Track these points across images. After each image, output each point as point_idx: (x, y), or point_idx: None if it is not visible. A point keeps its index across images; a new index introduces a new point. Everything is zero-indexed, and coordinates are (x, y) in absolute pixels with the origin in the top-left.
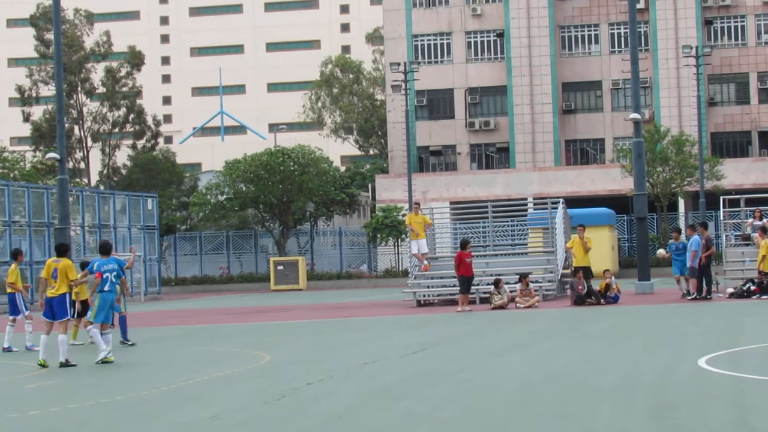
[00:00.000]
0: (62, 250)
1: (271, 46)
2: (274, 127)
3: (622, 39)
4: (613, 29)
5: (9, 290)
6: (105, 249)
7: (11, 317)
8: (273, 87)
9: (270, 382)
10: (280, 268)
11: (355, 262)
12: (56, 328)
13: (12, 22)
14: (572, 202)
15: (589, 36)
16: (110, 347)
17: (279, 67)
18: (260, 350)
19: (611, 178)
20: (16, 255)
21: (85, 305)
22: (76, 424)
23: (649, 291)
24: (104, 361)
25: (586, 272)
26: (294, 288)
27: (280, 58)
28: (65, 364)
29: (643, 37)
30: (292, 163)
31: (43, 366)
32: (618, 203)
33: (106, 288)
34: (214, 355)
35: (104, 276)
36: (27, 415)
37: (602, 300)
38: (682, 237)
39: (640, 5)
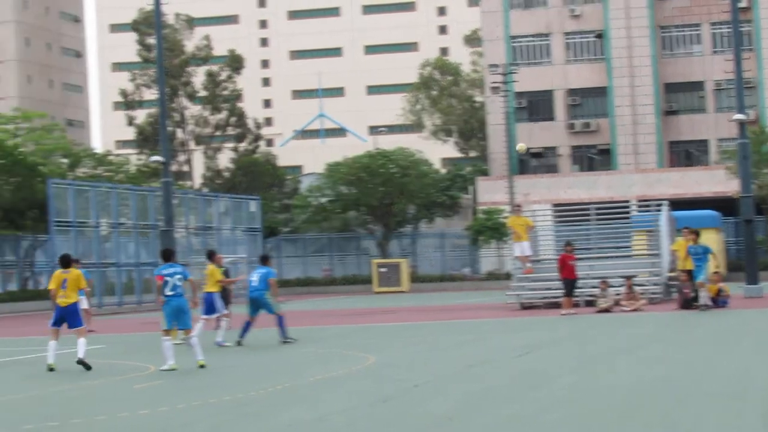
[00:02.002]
0: (68, 261)
1: (370, 49)
2: (373, 130)
3: (725, 39)
4: (716, 29)
5: (210, 290)
6: (166, 255)
7: (205, 317)
8: (372, 89)
9: (375, 384)
10: (383, 270)
11: (457, 265)
12: (74, 332)
13: (115, 28)
14: (676, 204)
15: (691, 36)
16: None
17: (377, 70)
18: (365, 352)
19: (716, 180)
20: (211, 255)
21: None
22: (183, 424)
23: (758, 294)
24: (171, 369)
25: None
26: (397, 290)
27: (379, 60)
28: (81, 362)
29: (746, 36)
30: (392, 166)
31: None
32: (724, 205)
33: (168, 292)
34: (319, 356)
35: (166, 280)
36: (136, 414)
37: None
38: None
39: (743, 4)
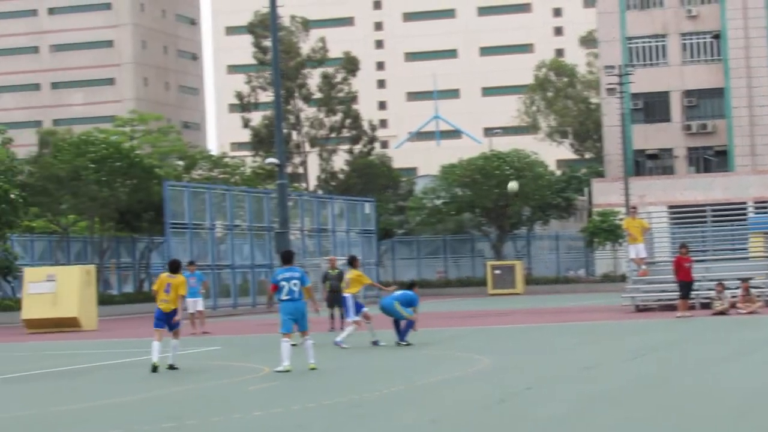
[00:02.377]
0: (176, 267)
1: (485, 51)
2: (488, 132)
3: None
4: None
5: (350, 291)
6: (286, 258)
7: (350, 319)
8: (487, 91)
9: (488, 387)
10: (498, 272)
11: (572, 267)
12: (167, 334)
13: (231, 30)
14: None
15: None
16: (312, 357)
17: (493, 72)
18: (479, 354)
19: None
20: (353, 261)
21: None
22: (297, 426)
23: None
24: (285, 370)
25: None
26: (511, 292)
27: (494, 62)
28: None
29: None
30: (507, 168)
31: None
32: None
33: (284, 297)
34: (433, 358)
35: (280, 285)
36: (250, 416)
37: None
38: None
39: None
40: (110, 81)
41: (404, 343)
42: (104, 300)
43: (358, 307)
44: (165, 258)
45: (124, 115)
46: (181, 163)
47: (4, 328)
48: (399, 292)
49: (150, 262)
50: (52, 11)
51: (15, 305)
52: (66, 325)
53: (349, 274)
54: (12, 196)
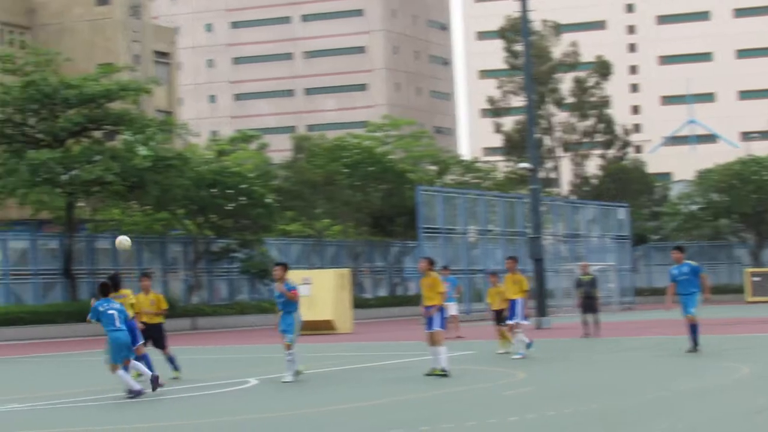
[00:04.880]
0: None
1: (742, 53)
2: (746, 136)
3: None
4: None
5: (514, 296)
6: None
7: (513, 321)
8: (744, 95)
9: (748, 395)
10: (757, 279)
11: None
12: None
13: (482, 35)
14: None
15: None
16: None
17: (750, 75)
18: (738, 362)
19: None
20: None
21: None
22: None
23: None
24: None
25: None
26: None
27: (752, 65)
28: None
29: None
30: (765, 173)
31: (441, 375)
32: None
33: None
34: (689, 366)
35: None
36: (506, 421)
37: None
38: None
39: None
40: (362, 87)
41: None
42: (358, 303)
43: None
44: (418, 262)
45: (377, 120)
46: (433, 167)
47: (261, 330)
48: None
49: (403, 267)
50: (305, 18)
51: (271, 307)
52: (321, 328)
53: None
54: (268, 200)
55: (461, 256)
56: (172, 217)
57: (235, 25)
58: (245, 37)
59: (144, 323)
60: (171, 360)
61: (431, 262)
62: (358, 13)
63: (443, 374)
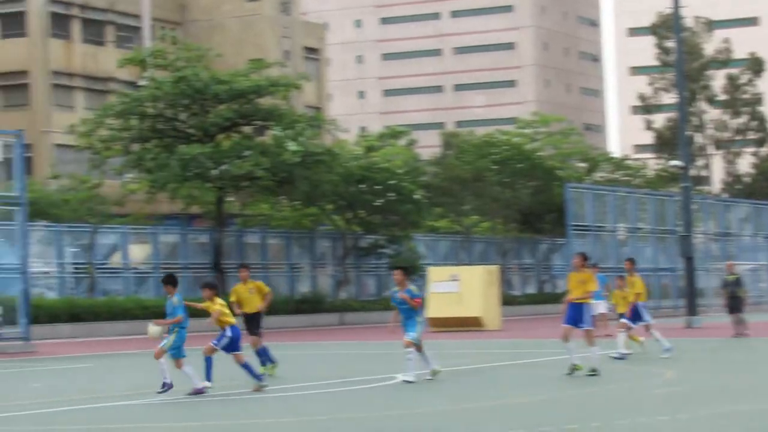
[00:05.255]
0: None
1: None
2: None
3: None
4: None
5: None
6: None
7: (637, 325)
8: None
9: None
10: None
11: None
12: (579, 336)
13: (633, 32)
14: None
15: None
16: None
17: None
18: None
19: None
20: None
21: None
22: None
23: None
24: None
25: None
26: None
27: None
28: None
29: None
30: None
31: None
32: None
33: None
34: None
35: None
36: (655, 420)
37: None
38: None
39: None
40: (511, 83)
41: None
42: (507, 300)
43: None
44: (566, 260)
45: (526, 117)
46: (582, 165)
47: None
48: None
49: (551, 264)
50: (454, 14)
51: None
52: (469, 324)
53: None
54: (417, 196)
55: (610, 254)
56: (320, 213)
57: (385, 21)
58: (394, 33)
59: (245, 313)
60: (262, 353)
61: (585, 258)
62: (507, 9)
63: (593, 373)
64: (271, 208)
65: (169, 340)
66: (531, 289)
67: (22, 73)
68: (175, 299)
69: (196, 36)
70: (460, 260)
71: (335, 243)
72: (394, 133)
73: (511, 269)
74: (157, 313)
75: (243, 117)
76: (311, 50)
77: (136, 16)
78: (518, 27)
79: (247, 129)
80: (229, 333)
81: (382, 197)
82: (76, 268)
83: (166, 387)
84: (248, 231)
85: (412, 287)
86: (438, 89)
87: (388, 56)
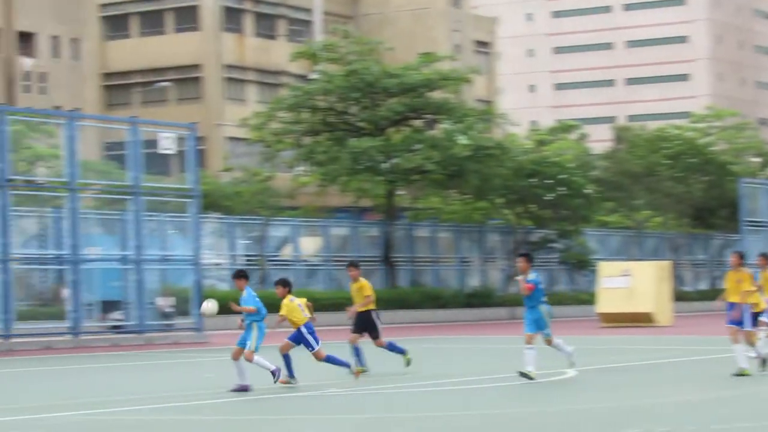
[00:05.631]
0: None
1: None
2: None
3: None
4: None
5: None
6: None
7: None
8: None
9: None
10: None
11: None
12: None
13: None
14: None
15: None
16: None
17: None
18: None
19: None
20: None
21: None
22: None
23: None
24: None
25: None
26: None
27: None
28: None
29: None
30: None
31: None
32: None
33: None
34: None
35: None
36: None
37: None
38: None
39: None
40: (684, 77)
41: None
42: (678, 296)
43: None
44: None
45: (700, 111)
46: (757, 160)
47: (579, 321)
48: None
49: (724, 260)
50: (627, 7)
51: (589, 299)
52: (640, 320)
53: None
54: (588, 190)
55: None
56: (491, 207)
57: (556, 14)
58: (565, 27)
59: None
60: (391, 346)
61: (742, 257)
62: (680, 2)
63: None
64: (441, 201)
65: (252, 341)
66: (703, 286)
67: (196, 66)
68: (245, 293)
69: (367, 29)
70: (631, 256)
71: (505, 237)
72: (565, 127)
73: (683, 265)
74: (327, 305)
75: (413, 110)
76: (482, 44)
77: (308, 10)
78: (692, 20)
79: (417, 122)
80: (304, 330)
81: (553, 191)
82: (248, 260)
83: (276, 374)
84: (418, 224)
85: (534, 275)
86: (609, 83)
87: (559, 50)
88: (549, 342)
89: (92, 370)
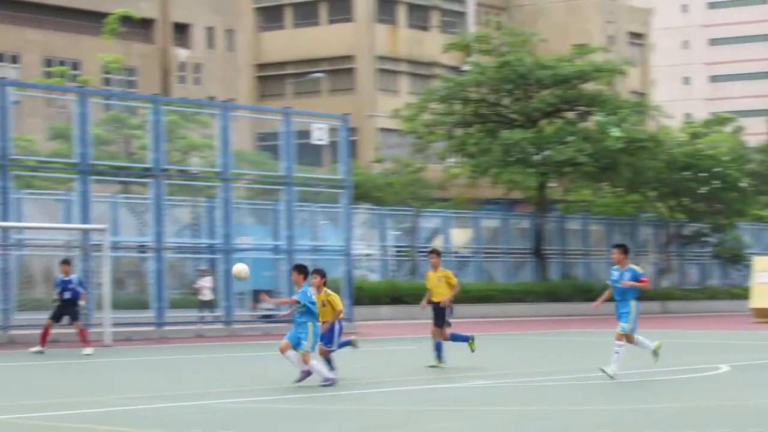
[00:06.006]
0: None
1: None
2: None
3: None
4: None
5: None
6: None
7: None
8: None
9: None
10: None
11: None
12: None
13: None
14: None
15: None
16: None
17: None
18: None
19: None
20: None
21: None
22: None
23: None
24: None
25: None
26: None
27: None
28: None
29: None
30: None
31: None
32: None
33: None
34: None
35: None
36: None
37: None
38: None
39: None
40: None
41: None
42: None
43: None
44: None
45: None
46: None
47: (732, 316)
48: None
49: None
50: None
51: (743, 294)
52: None
53: None
54: (743, 184)
55: None
56: (643, 200)
57: (712, 5)
58: (722, 18)
59: (432, 302)
60: (437, 347)
61: None
62: None
63: None
64: (593, 194)
65: (308, 341)
66: None
67: (349, 57)
68: (301, 290)
69: (520, 21)
70: None
71: (658, 230)
72: (720, 120)
73: None
74: (478, 297)
75: (566, 102)
76: (636, 35)
77: (461, 2)
78: None
79: (570, 114)
80: (338, 327)
81: (707, 185)
82: (398, 251)
83: (330, 382)
84: (569, 217)
85: (635, 267)
86: (766, 75)
87: (715, 41)
88: (621, 337)
89: (244, 358)
